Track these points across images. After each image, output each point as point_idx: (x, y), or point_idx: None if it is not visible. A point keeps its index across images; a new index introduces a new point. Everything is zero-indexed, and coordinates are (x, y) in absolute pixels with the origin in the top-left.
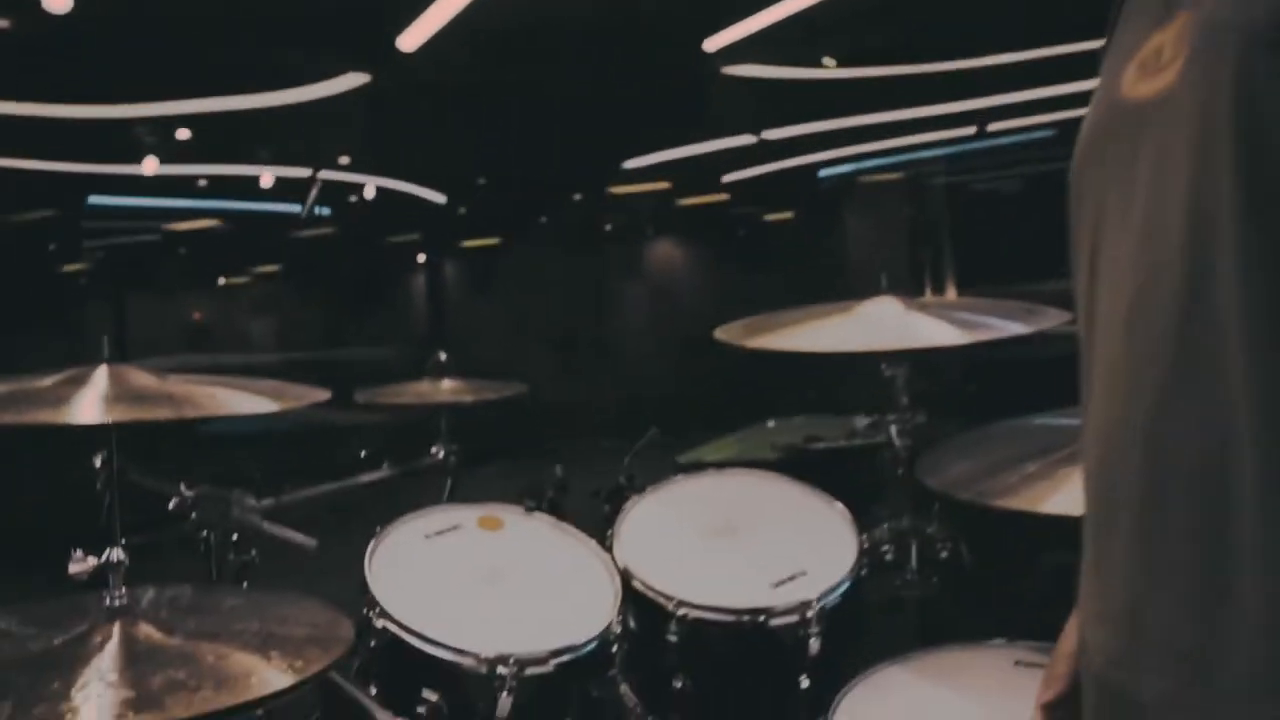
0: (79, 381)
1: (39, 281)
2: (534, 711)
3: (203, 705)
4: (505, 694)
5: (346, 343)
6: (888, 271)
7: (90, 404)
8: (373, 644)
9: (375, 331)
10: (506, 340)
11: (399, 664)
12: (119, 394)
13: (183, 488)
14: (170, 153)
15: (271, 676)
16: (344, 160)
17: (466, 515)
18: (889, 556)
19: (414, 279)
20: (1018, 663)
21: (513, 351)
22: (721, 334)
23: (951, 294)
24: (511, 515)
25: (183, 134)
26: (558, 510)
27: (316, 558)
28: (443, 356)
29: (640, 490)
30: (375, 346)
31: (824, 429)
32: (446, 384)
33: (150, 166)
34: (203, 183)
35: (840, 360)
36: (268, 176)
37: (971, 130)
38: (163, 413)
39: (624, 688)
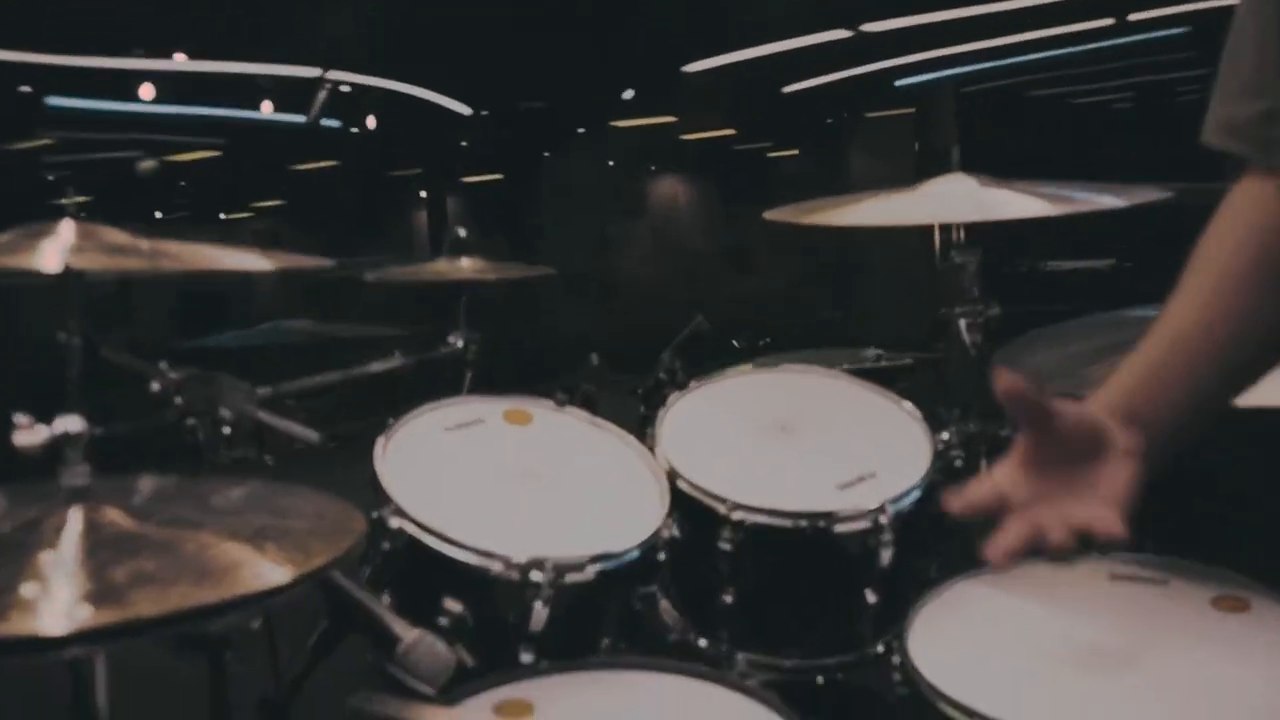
0: (41, 234)
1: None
2: (569, 626)
3: (179, 600)
4: (540, 604)
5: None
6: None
7: (53, 253)
8: (386, 547)
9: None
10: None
11: (417, 570)
12: (86, 245)
13: (164, 367)
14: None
15: (265, 570)
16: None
17: (490, 408)
18: (958, 463)
19: (414, 214)
20: (1114, 576)
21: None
22: (772, 215)
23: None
24: (541, 409)
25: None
26: (592, 405)
27: (319, 448)
28: (462, 232)
29: (683, 386)
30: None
31: (831, 362)
32: (466, 262)
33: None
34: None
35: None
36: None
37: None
38: (135, 264)
39: (664, 603)
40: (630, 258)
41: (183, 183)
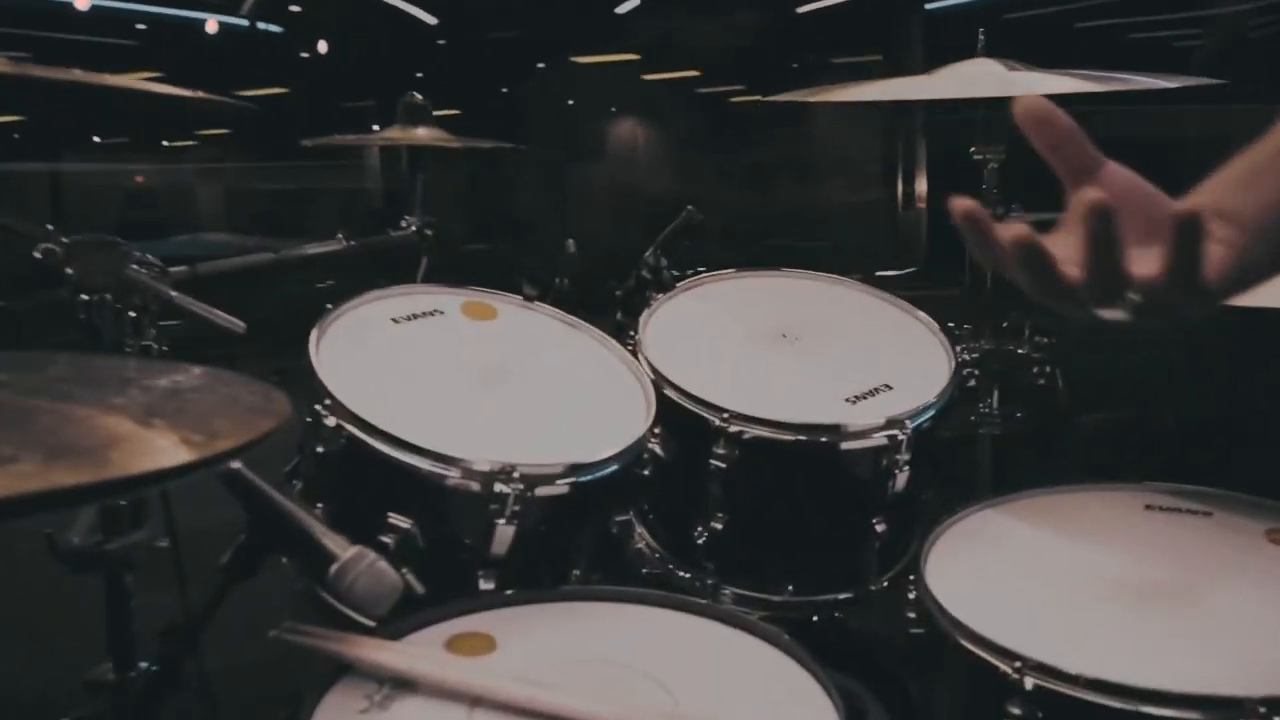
0: None
1: None
2: (536, 549)
3: (19, 484)
4: (504, 521)
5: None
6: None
7: None
8: (321, 451)
9: (327, 201)
10: (464, 216)
11: (357, 479)
12: None
13: (52, 229)
14: None
15: (149, 450)
16: None
17: (448, 300)
18: (971, 382)
19: (367, 149)
20: (1150, 507)
21: (472, 227)
22: (779, 97)
23: (922, 187)
24: (507, 304)
25: None
26: (568, 302)
27: (242, 335)
28: (418, 97)
29: (669, 288)
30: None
31: None
32: (423, 131)
33: None
34: None
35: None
36: None
37: None
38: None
39: (641, 530)
40: (586, 200)
41: (119, 106)
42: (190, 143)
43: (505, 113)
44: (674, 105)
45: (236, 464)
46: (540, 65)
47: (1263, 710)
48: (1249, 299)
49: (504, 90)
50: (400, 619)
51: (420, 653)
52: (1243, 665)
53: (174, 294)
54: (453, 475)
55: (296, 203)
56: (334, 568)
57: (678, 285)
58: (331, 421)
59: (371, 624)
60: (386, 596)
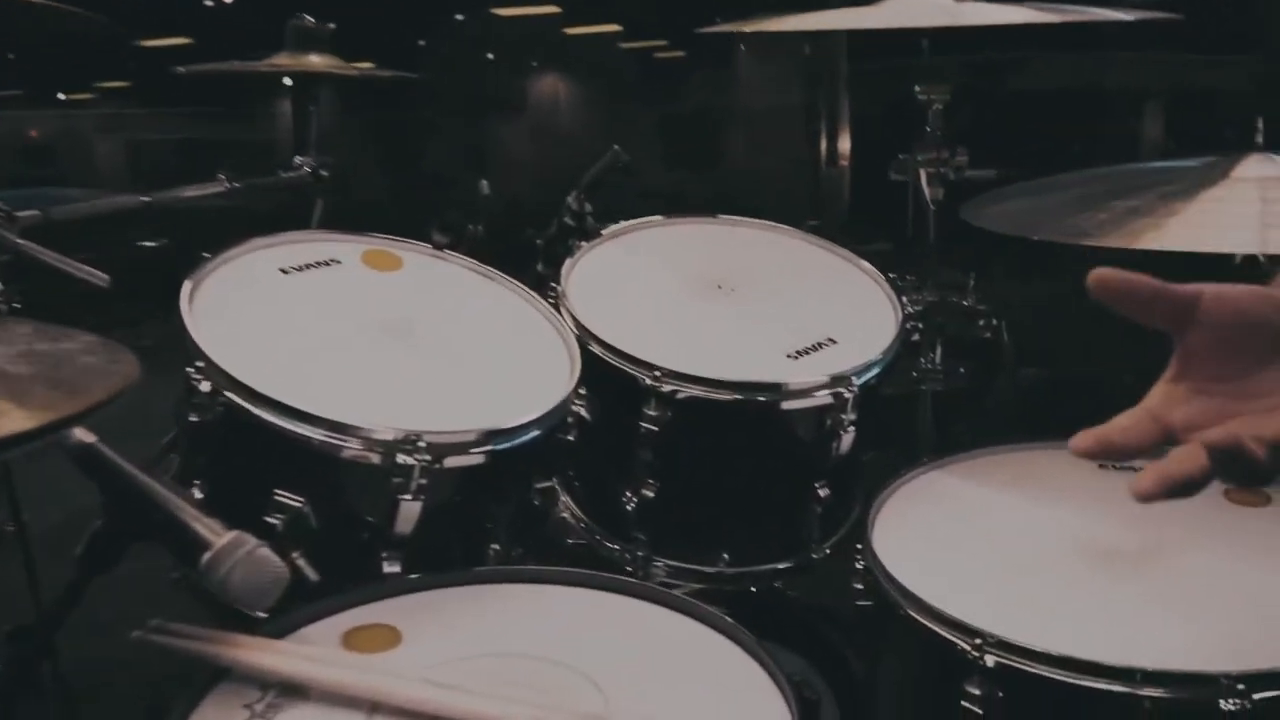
0: None
1: None
2: (448, 527)
3: None
4: (409, 497)
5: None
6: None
7: None
8: (196, 420)
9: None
10: (381, 174)
11: (239, 452)
12: None
13: None
14: None
15: None
16: None
17: (347, 248)
18: (915, 336)
19: (279, 103)
20: (1103, 465)
21: (389, 189)
22: (723, 27)
23: (845, 146)
24: (414, 253)
25: None
26: (483, 251)
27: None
28: (309, 19)
29: (594, 235)
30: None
31: None
32: (316, 58)
33: None
34: None
35: None
36: None
37: None
38: None
39: (566, 499)
40: (505, 154)
41: (10, 55)
42: (88, 95)
43: (421, 64)
44: (596, 59)
45: (88, 437)
46: (459, 17)
47: (1240, 687)
48: (1215, 245)
49: (421, 43)
50: (291, 611)
51: (310, 651)
52: (1215, 635)
53: (21, 241)
54: (350, 446)
55: (200, 155)
56: (206, 557)
57: (603, 232)
58: (206, 386)
59: (258, 617)
60: (269, 588)
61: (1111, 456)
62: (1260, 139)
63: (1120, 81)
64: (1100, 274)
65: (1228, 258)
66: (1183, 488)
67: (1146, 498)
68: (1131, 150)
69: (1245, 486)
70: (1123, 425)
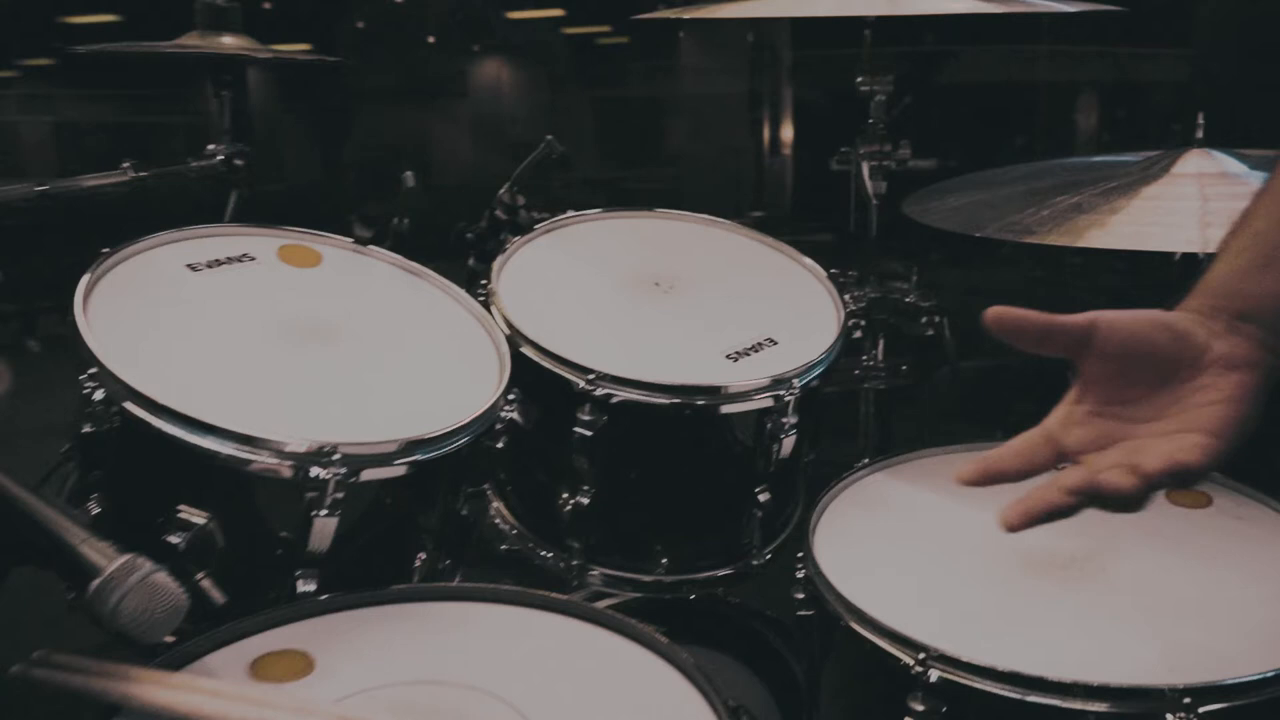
0: None
1: None
2: (366, 543)
3: None
4: (324, 513)
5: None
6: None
7: None
8: (90, 431)
9: (172, 148)
10: (304, 164)
11: (137, 466)
12: None
13: None
14: None
15: None
16: None
17: (262, 243)
18: (857, 333)
19: (203, 87)
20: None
21: (327, 176)
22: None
23: (788, 133)
24: (334, 248)
25: None
26: (408, 246)
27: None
28: None
29: (527, 230)
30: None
31: None
32: (229, 39)
33: None
34: None
35: None
36: None
37: None
38: None
39: (497, 506)
40: (446, 143)
41: None
42: (10, 73)
43: (354, 46)
44: (538, 44)
45: None
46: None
47: (1187, 701)
48: (1158, 244)
49: (359, 25)
50: (193, 638)
51: (212, 685)
52: (1159, 646)
53: None
54: (258, 459)
55: (130, 140)
56: (94, 584)
57: (536, 227)
58: (100, 395)
59: (155, 645)
60: (164, 619)
61: (999, 482)
62: (1200, 134)
63: (1055, 74)
64: (995, 313)
65: (1168, 255)
66: (1047, 518)
67: (1011, 529)
68: (1068, 143)
69: (1123, 512)
70: (1014, 449)
